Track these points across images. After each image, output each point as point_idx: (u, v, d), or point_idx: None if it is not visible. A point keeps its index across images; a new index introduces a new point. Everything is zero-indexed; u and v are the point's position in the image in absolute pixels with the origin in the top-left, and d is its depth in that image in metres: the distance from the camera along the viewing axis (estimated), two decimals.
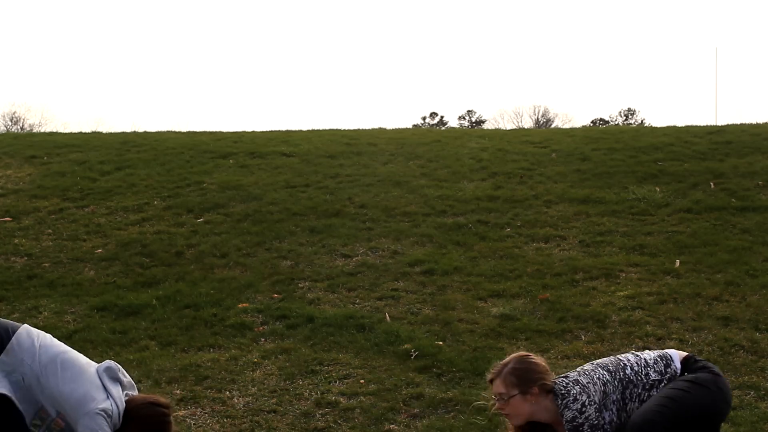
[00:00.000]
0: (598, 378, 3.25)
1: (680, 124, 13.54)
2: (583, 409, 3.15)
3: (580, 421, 3.14)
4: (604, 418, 3.17)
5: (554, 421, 3.28)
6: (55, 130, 20.84)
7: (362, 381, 5.20)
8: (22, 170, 10.59)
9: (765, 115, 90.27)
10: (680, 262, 7.12)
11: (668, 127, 13.02)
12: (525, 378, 3.26)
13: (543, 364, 3.34)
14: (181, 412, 4.82)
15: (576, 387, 3.22)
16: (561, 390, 3.25)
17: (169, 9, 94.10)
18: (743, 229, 7.90)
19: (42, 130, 30.62)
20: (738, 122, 13.58)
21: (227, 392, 5.08)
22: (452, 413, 4.75)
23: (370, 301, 6.57)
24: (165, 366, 5.50)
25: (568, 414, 3.15)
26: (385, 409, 4.81)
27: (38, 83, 77.16)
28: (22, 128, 44.55)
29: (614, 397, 3.21)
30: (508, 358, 3.39)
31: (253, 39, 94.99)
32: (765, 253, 7.27)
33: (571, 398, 3.18)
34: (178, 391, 5.11)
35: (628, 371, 3.27)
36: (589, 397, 3.19)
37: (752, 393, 4.88)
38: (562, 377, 3.34)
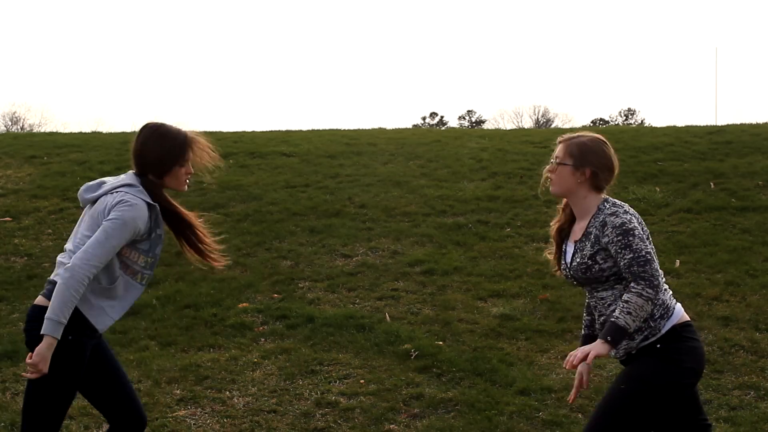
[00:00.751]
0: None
1: (680, 124, 13.55)
2: (632, 220, 3.10)
3: (630, 226, 3.06)
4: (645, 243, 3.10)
5: (583, 214, 3.22)
6: (55, 130, 20.86)
7: (362, 381, 5.20)
8: (22, 170, 10.59)
9: (765, 115, 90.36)
10: (680, 262, 7.12)
11: (668, 127, 13.02)
12: (586, 157, 3.20)
13: (613, 160, 3.24)
14: (181, 412, 4.82)
15: (629, 212, 3.17)
16: (615, 200, 3.21)
17: (169, 9, 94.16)
18: (743, 229, 7.91)
19: (42, 130, 30.65)
20: (738, 122, 13.60)
21: (227, 392, 5.08)
22: (452, 413, 4.75)
23: (370, 301, 6.57)
24: (165, 366, 5.49)
25: (618, 220, 3.07)
26: (385, 409, 4.81)
27: (38, 83, 77.26)
28: (22, 128, 44.57)
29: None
30: (587, 134, 3.32)
31: (254, 39, 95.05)
32: (765, 253, 7.27)
33: (621, 210, 3.13)
34: (178, 391, 5.11)
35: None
36: (638, 219, 3.17)
37: (752, 393, 4.89)
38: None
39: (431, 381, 5.20)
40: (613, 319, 2.96)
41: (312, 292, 6.81)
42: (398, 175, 10.00)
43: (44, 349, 2.97)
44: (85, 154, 11.23)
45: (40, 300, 3.17)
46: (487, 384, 5.09)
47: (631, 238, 3.03)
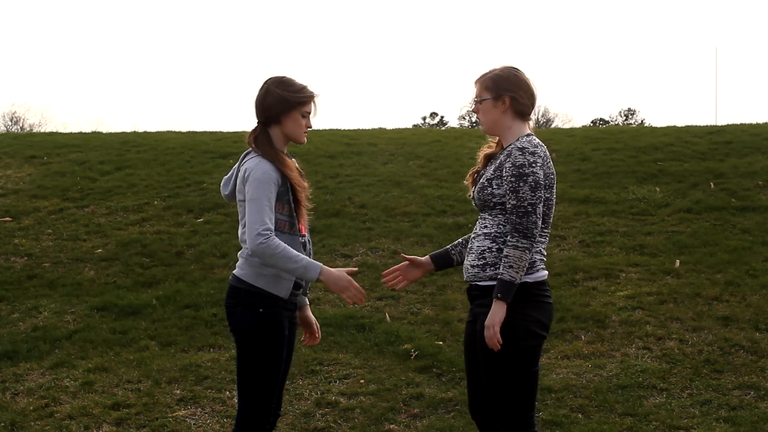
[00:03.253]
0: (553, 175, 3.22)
1: (680, 124, 13.56)
2: (534, 163, 3.08)
3: (526, 170, 3.06)
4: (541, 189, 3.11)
5: (508, 144, 3.23)
6: (55, 130, 20.84)
7: (362, 381, 5.20)
8: (22, 170, 10.59)
9: (765, 115, 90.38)
10: (680, 262, 7.12)
11: (668, 127, 13.02)
12: (501, 85, 3.20)
13: (529, 84, 3.24)
14: (181, 412, 4.82)
15: (542, 147, 3.16)
16: (533, 136, 3.19)
17: (169, 9, 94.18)
18: (743, 229, 7.90)
19: (42, 130, 30.64)
20: (738, 122, 13.60)
21: (227, 392, 5.08)
22: (452, 413, 4.75)
23: (370, 301, 6.57)
24: (165, 366, 5.49)
25: (520, 159, 3.06)
26: (385, 409, 4.81)
27: (38, 83, 77.21)
28: (22, 128, 44.55)
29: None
30: (498, 66, 3.30)
31: (254, 39, 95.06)
32: (765, 253, 7.27)
33: (531, 148, 3.10)
34: (178, 391, 5.11)
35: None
36: (545, 163, 3.14)
37: (752, 393, 4.88)
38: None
39: (431, 381, 5.20)
40: (499, 277, 3.02)
41: (312, 292, 6.81)
42: (398, 175, 10.00)
43: None
44: (85, 154, 11.23)
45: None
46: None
47: (521, 184, 3.05)
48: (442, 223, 8.33)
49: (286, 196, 3.22)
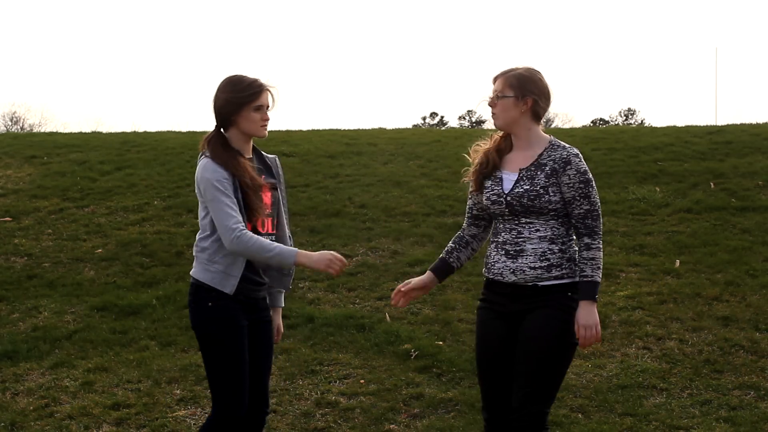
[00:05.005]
0: None
1: (680, 124, 13.55)
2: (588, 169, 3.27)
3: (591, 176, 3.25)
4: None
5: (526, 145, 3.29)
6: (55, 130, 20.84)
7: (362, 381, 5.20)
8: (22, 170, 10.59)
9: (765, 115, 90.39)
10: (680, 262, 7.12)
11: (668, 127, 13.02)
12: (526, 86, 3.26)
13: (549, 89, 3.34)
14: (181, 412, 4.82)
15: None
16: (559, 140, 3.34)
17: (169, 9, 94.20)
18: (743, 229, 7.90)
19: (42, 130, 30.63)
20: (738, 122, 13.60)
21: None
22: (452, 413, 4.75)
23: (370, 301, 6.57)
24: (165, 366, 5.49)
25: (582, 166, 3.23)
26: (385, 409, 4.81)
27: (38, 83, 77.24)
28: (22, 128, 44.55)
29: None
30: (522, 65, 3.36)
31: (253, 39, 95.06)
32: (765, 253, 7.27)
33: (579, 154, 3.27)
34: (178, 391, 5.11)
35: None
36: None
37: (752, 393, 4.88)
38: None
39: (431, 381, 5.20)
40: (589, 279, 3.14)
41: (312, 292, 6.81)
42: (398, 175, 10.00)
43: None
44: (85, 154, 11.23)
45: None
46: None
47: (591, 189, 3.22)
48: (442, 223, 8.33)
49: (237, 195, 3.27)
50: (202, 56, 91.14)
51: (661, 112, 79.03)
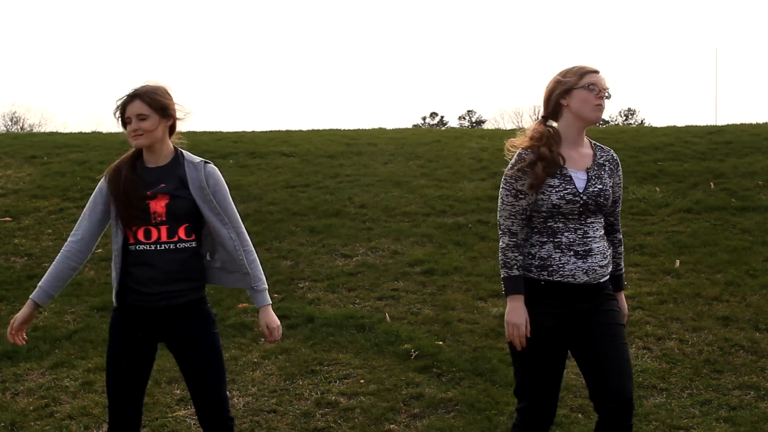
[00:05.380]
0: None
1: (680, 124, 13.55)
2: None
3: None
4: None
5: (578, 142, 3.36)
6: (55, 130, 20.85)
7: (362, 381, 5.20)
8: (22, 170, 10.59)
9: (765, 115, 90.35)
10: (680, 262, 7.12)
11: (668, 127, 13.02)
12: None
13: None
14: (181, 412, 4.82)
15: None
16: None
17: (169, 9, 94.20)
18: (743, 229, 7.91)
19: (42, 130, 30.64)
20: (738, 122, 13.61)
21: (227, 392, 5.07)
22: (452, 413, 4.75)
23: (370, 301, 6.57)
24: (165, 366, 5.49)
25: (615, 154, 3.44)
26: (385, 409, 4.81)
27: (38, 83, 77.24)
28: (22, 128, 44.56)
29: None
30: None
31: (253, 39, 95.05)
32: (765, 253, 7.27)
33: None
34: (178, 391, 5.10)
35: None
36: None
37: (752, 393, 4.88)
38: None
39: (431, 381, 5.20)
40: (622, 271, 3.44)
41: (312, 292, 6.81)
42: (398, 175, 10.00)
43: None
44: (85, 154, 11.23)
45: None
46: (487, 384, 5.09)
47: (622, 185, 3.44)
48: (442, 223, 8.33)
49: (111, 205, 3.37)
50: (202, 56, 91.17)
51: (661, 112, 79.08)
